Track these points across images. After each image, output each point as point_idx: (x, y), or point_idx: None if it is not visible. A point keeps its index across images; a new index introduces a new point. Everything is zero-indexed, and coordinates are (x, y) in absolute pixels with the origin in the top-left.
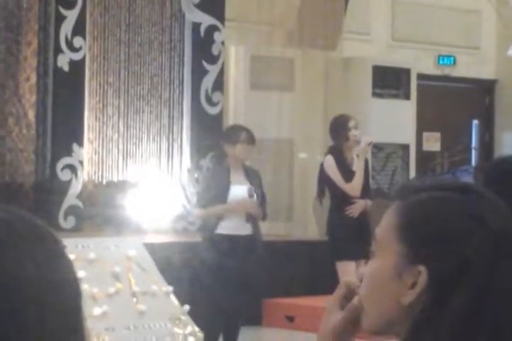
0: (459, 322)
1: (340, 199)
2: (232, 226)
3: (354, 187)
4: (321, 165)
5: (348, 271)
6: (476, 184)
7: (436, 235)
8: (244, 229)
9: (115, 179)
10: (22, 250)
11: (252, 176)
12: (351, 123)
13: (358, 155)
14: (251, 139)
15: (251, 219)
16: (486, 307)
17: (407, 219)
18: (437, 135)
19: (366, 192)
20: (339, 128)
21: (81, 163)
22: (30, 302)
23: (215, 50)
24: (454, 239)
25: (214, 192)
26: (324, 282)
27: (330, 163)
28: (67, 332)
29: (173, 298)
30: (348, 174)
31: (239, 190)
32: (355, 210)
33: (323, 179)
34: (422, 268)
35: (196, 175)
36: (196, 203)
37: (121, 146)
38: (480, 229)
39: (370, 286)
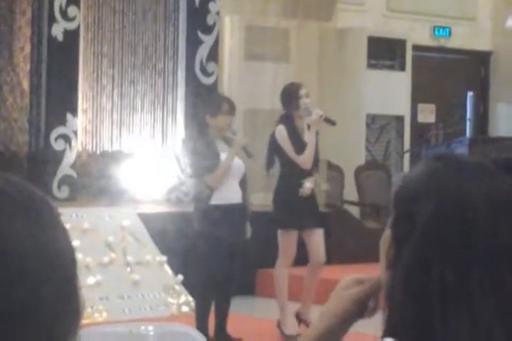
0: (408, 278)
1: (290, 170)
2: (225, 196)
3: (305, 160)
4: (272, 134)
5: (288, 240)
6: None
7: (397, 200)
8: (236, 198)
9: (109, 149)
10: (18, 220)
11: (231, 144)
12: (302, 91)
13: (309, 127)
14: (232, 109)
15: (242, 185)
16: (432, 261)
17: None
18: (432, 106)
19: (314, 164)
20: (290, 96)
21: (75, 132)
22: (26, 272)
23: (209, 20)
24: (406, 203)
25: (207, 163)
26: None
27: (282, 134)
28: (62, 301)
29: (166, 268)
30: (298, 144)
31: None
32: (306, 191)
33: (274, 148)
34: (388, 231)
35: (184, 147)
36: (191, 174)
37: (115, 116)
38: (425, 191)
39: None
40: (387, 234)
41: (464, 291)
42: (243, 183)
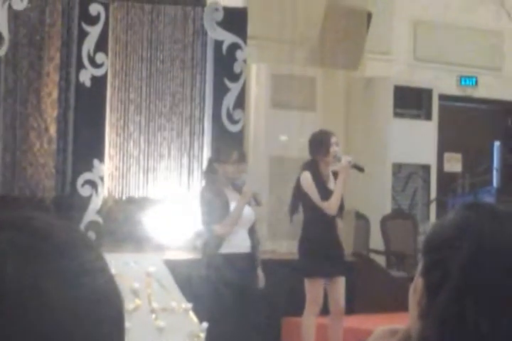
0: (443, 327)
1: (314, 217)
2: (233, 245)
3: (332, 206)
4: (297, 181)
5: (315, 288)
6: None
7: (428, 247)
8: (244, 246)
9: (135, 195)
10: (62, 260)
11: (239, 191)
12: (333, 139)
13: (337, 173)
14: (242, 158)
15: (251, 233)
16: (467, 309)
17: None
18: (458, 156)
19: (339, 210)
20: (321, 143)
21: (101, 178)
22: (69, 316)
23: (236, 68)
24: (438, 250)
25: (216, 211)
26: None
27: (307, 180)
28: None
29: (192, 315)
30: (323, 190)
31: None
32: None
33: (299, 195)
34: (419, 280)
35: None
36: (203, 222)
37: (142, 162)
38: (458, 238)
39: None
40: (418, 283)
41: None
42: (252, 231)
